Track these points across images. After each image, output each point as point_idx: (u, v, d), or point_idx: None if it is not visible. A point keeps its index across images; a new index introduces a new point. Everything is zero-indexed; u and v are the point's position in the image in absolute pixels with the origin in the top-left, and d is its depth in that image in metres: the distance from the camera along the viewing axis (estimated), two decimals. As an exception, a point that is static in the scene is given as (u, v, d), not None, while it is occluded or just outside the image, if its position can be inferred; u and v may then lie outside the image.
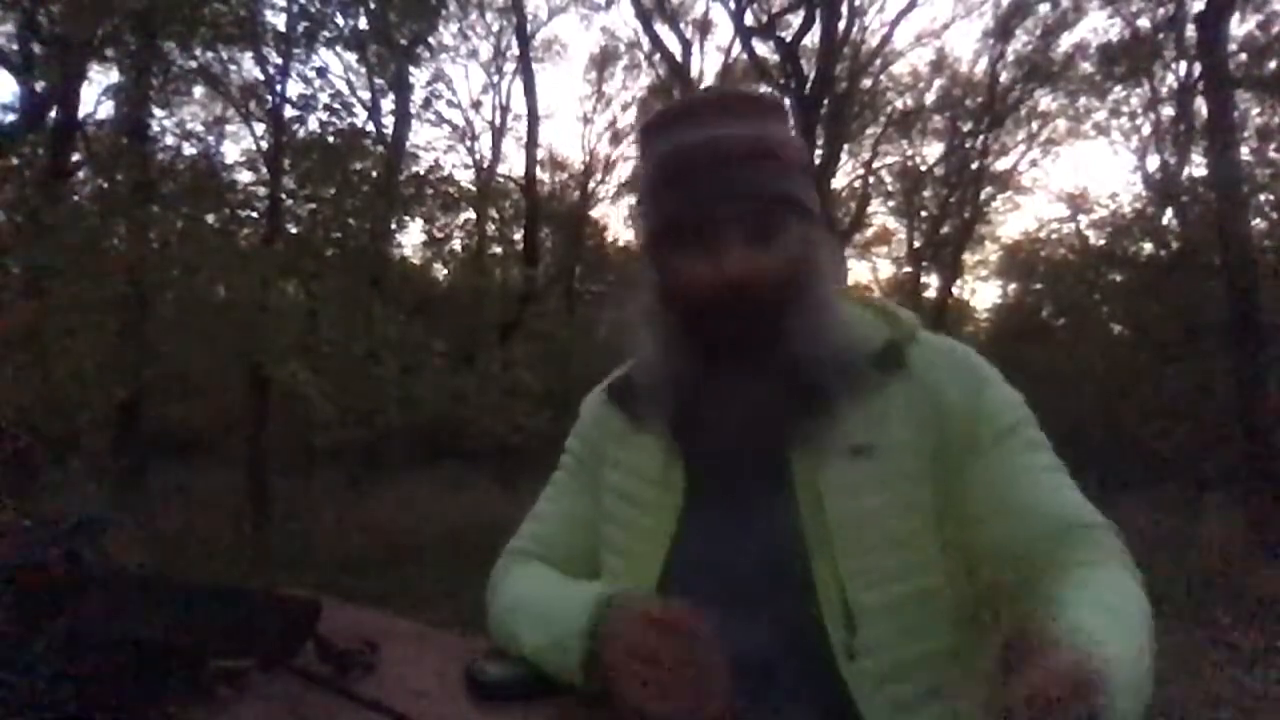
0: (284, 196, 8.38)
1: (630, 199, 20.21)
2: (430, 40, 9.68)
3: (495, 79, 18.35)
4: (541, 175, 18.41)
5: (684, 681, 0.74)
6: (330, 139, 7.95)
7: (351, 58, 9.80)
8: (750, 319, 0.89)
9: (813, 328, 0.89)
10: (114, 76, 8.65)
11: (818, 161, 12.15)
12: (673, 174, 0.92)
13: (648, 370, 0.98)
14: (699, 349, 0.92)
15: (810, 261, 0.92)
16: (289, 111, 8.49)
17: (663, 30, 15.54)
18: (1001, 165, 18.20)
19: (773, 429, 0.89)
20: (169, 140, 8.73)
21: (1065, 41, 15.45)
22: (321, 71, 8.27)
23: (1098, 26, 26.14)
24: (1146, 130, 15.53)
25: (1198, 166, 12.70)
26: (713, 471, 0.93)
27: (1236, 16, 10.17)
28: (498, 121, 18.33)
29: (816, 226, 0.96)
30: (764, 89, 11.14)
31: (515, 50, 16.77)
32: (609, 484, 1.02)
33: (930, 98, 17.93)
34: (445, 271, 17.22)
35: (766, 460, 0.90)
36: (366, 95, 11.02)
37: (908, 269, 20.13)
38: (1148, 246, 13.05)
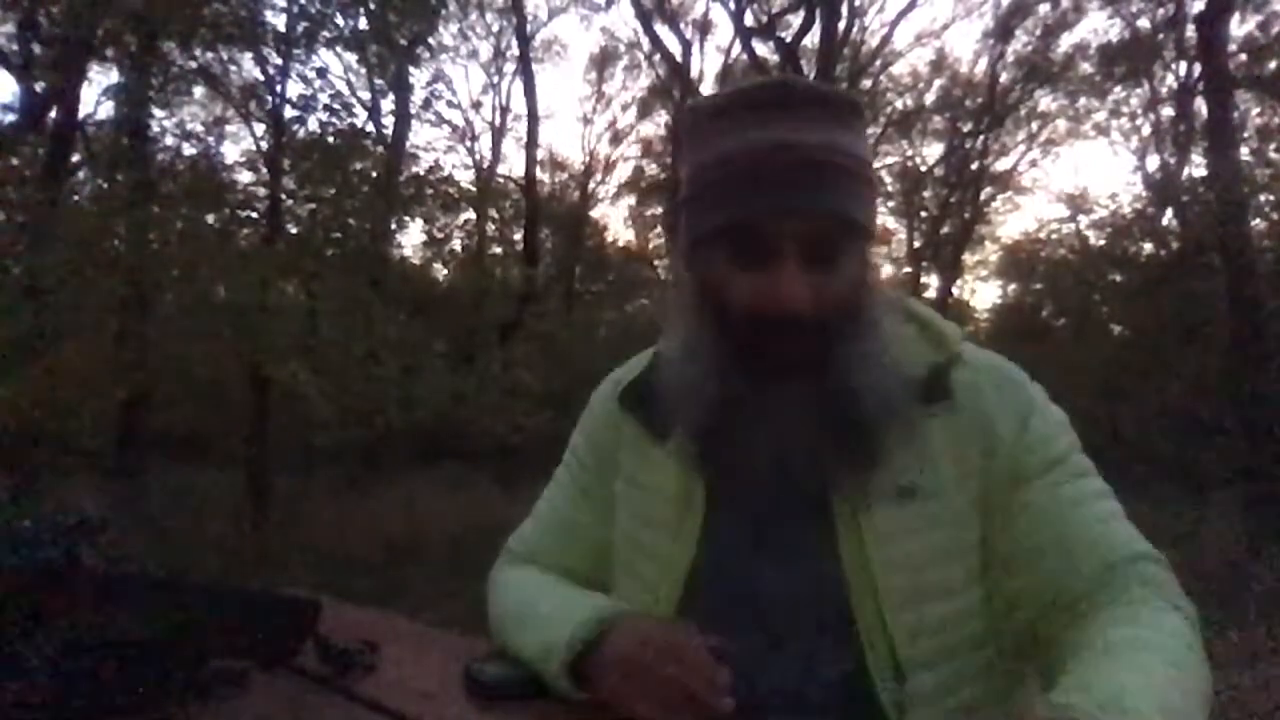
0: (284, 197, 8.38)
1: (630, 199, 20.23)
2: (430, 40, 9.67)
3: (495, 79, 18.40)
4: (541, 175, 18.45)
5: (682, 698, 0.75)
6: (330, 139, 7.95)
7: (351, 58, 9.79)
8: (799, 345, 0.82)
9: (862, 358, 0.83)
10: (114, 76, 8.67)
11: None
12: (736, 176, 0.83)
13: (674, 377, 0.90)
14: (735, 364, 0.85)
15: (867, 286, 0.87)
16: (289, 112, 8.49)
17: (663, 31, 15.60)
18: (1001, 165, 18.24)
19: (812, 462, 0.83)
20: (169, 140, 8.71)
21: (1065, 42, 15.52)
22: (321, 72, 8.27)
23: (1098, 27, 26.20)
24: (1146, 131, 15.60)
25: (1198, 167, 12.71)
26: (740, 497, 0.88)
27: (1236, 17, 10.19)
28: (498, 122, 18.39)
29: (874, 246, 0.90)
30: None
31: (515, 50, 16.81)
32: (622, 498, 0.97)
33: (930, 98, 17.99)
34: (445, 271, 17.22)
35: (802, 494, 0.85)
36: (366, 95, 11.02)
37: (908, 269, 20.11)
38: (1148, 247, 13.06)
